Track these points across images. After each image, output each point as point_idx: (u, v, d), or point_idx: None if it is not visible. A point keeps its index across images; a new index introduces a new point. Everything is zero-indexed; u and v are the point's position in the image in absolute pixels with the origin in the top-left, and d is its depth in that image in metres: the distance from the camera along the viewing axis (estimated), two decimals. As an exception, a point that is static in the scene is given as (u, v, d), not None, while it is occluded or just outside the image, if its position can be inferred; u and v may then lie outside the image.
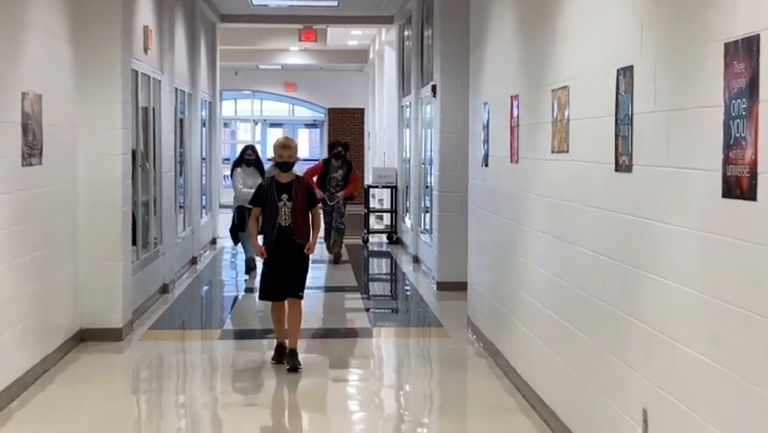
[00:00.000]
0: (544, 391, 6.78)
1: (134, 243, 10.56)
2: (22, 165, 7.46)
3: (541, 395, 6.81)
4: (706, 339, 4.05)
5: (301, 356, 8.33)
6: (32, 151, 7.66)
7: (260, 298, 8.58)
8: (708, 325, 4.03)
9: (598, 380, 5.55)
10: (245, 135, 33.50)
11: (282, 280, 8.24)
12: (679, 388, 4.34)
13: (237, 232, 13.56)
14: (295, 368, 8.14)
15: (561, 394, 6.39)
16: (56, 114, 8.32)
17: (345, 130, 30.46)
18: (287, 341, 8.35)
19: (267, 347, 8.97)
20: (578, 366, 5.99)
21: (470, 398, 8.06)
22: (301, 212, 8.22)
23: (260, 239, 8.49)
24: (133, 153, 10.38)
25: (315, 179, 15.09)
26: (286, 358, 8.27)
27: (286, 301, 8.38)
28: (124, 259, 9.51)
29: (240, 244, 13.95)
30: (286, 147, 8.31)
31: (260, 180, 10.53)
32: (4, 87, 7.11)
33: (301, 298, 8.36)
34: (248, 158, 13.61)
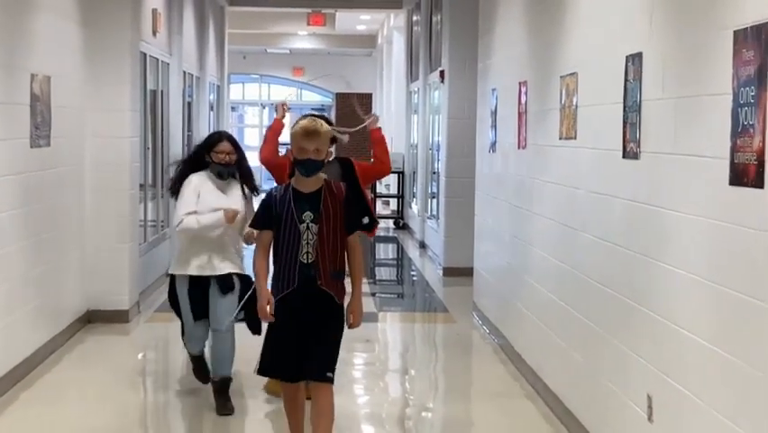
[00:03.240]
0: (548, 376, 6.80)
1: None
2: (31, 147, 7.47)
3: (546, 381, 6.83)
4: (711, 326, 4.06)
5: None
6: (40, 132, 7.67)
7: (260, 371, 5.38)
8: (713, 312, 4.04)
9: (604, 366, 5.56)
10: (253, 119, 33.48)
11: (299, 348, 5.19)
12: (684, 375, 4.35)
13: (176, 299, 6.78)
14: None
15: (566, 380, 6.40)
16: (64, 95, 8.33)
17: (353, 116, 30.39)
18: None
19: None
20: (583, 353, 6.00)
21: (475, 383, 8.08)
22: (332, 239, 5.12)
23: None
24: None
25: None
26: None
27: (304, 384, 5.38)
28: (132, 241, 9.53)
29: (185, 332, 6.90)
30: (312, 135, 5.08)
31: (236, 198, 6.52)
32: (13, 68, 7.12)
33: (331, 381, 5.19)
34: (218, 161, 6.53)
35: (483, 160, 9.82)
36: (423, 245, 15.58)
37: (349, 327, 5.25)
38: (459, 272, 11.98)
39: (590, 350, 5.83)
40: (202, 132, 15.84)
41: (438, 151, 14.29)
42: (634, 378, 4.99)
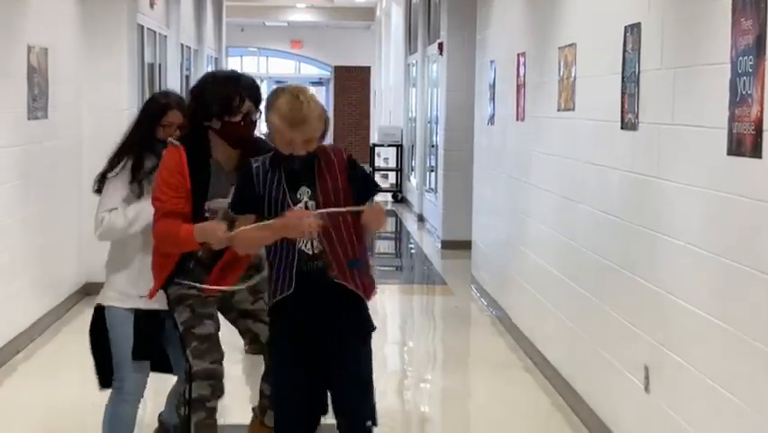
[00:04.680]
0: (546, 348, 6.81)
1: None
2: (28, 118, 7.46)
3: (544, 352, 6.84)
4: (709, 297, 4.07)
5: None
6: (37, 104, 7.66)
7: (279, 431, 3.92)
8: (711, 282, 4.04)
9: (601, 337, 5.57)
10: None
11: (312, 391, 3.85)
12: (681, 345, 4.36)
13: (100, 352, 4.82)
14: None
15: (563, 352, 6.42)
16: (61, 67, 8.30)
17: (351, 89, 30.37)
18: None
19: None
20: (581, 324, 6.01)
21: (473, 355, 8.10)
22: (341, 221, 3.79)
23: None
24: None
25: None
26: None
27: None
28: (130, 214, 9.51)
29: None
30: (299, 124, 3.68)
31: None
32: (9, 40, 7.10)
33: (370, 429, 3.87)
34: (165, 137, 4.47)
35: (482, 132, 9.80)
36: (421, 218, 15.58)
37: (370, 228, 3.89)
38: (457, 245, 11.98)
39: (588, 321, 5.84)
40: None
41: (437, 124, 14.27)
42: (631, 349, 5.00)
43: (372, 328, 3.89)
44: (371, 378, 3.87)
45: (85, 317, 8.54)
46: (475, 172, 10.12)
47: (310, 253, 3.75)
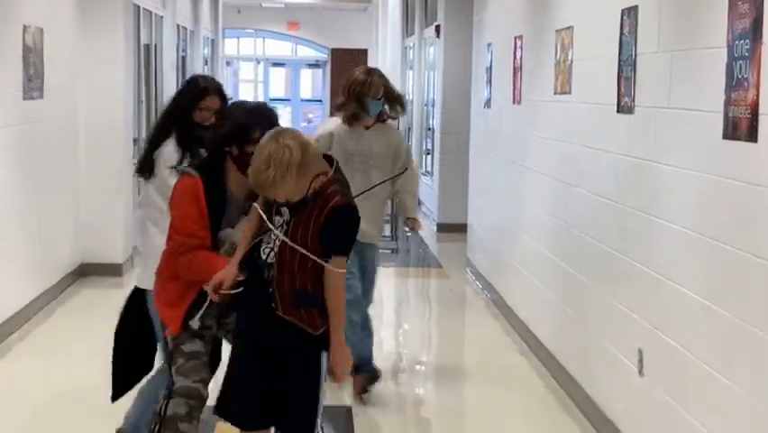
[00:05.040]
0: (541, 331, 6.82)
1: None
2: (24, 99, 7.44)
3: (538, 336, 6.85)
4: (704, 281, 4.07)
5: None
6: (33, 84, 7.64)
7: (218, 411, 3.92)
8: (705, 266, 4.05)
9: (596, 321, 5.58)
10: (248, 74, 33.33)
11: (266, 387, 3.84)
12: (674, 328, 4.37)
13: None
14: None
15: (558, 335, 6.43)
16: (57, 47, 8.27)
17: (348, 71, 30.20)
18: None
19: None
20: (575, 308, 6.02)
21: (468, 338, 8.12)
22: (302, 258, 3.68)
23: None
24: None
25: None
26: None
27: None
28: (125, 195, 9.52)
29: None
30: (265, 190, 3.64)
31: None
32: (5, 19, 7.07)
33: None
34: (201, 121, 4.59)
35: (478, 116, 9.79)
36: (417, 201, 15.56)
37: (333, 381, 3.89)
38: (453, 228, 11.98)
39: (582, 305, 5.85)
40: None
41: (433, 107, 14.24)
42: (625, 332, 5.01)
43: (316, 358, 3.77)
44: (318, 392, 3.80)
45: (80, 298, 8.57)
46: (471, 156, 10.12)
47: (265, 273, 3.71)
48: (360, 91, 5.71)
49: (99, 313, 8.10)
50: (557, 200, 6.50)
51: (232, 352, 3.92)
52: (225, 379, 3.88)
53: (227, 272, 3.76)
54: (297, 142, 3.57)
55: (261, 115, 4.04)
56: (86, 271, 9.20)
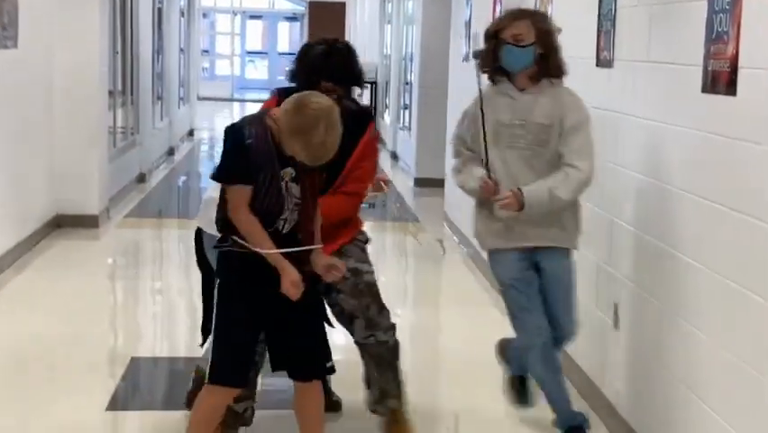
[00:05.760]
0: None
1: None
2: (-3, 47, 7.36)
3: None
4: (683, 234, 4.08)
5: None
6: (7, 33, 7.54)
7: (214, 379, 3.81)
8: (683, 220, 4.06)
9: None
10: (224, 27, 33.06)
11: (277, 339, 3.89)
12: (648, 281, 4.39)
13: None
14: None
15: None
16: (31, -4, 8.17)
17: (326, 26, 30.07)
18: None
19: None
20: (551, 261, 6.02)
21: (444, 291, 8.15)
22: (313, 202, 3.80)
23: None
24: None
25: None
26: None
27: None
28: (101, 146, 9.45)
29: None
30: (323, 157, 3.64)
31: None
32: (-22, -34, 6.97)
33: (327, 374, 4.10)
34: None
35: (457, 70, 9.76)
36: (395, 156, 15.55)
37: (325, 276, 3.85)
38: (430, 183, 11.99)
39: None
40: (172, 39, 15.60)
41: (411, 61, 14.18)
42: (601, 287, 5.03)
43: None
44: (323, 326, 3.96)
45: (55, 250, 8.53)
46: (449, 110, 10.09)
47: (284, 230, 3.71)
48: None
49: (75, 265, 8.10)
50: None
51: (224, 322, 3.80)
52: (221, 348, 3.81)
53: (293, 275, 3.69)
54: (324, 98, 3.65)
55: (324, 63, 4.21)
56: (62, 223, 9.15)
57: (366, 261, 4.52)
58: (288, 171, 3.66)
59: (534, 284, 4.40)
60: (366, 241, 4.59)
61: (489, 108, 4.31)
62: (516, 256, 4.39)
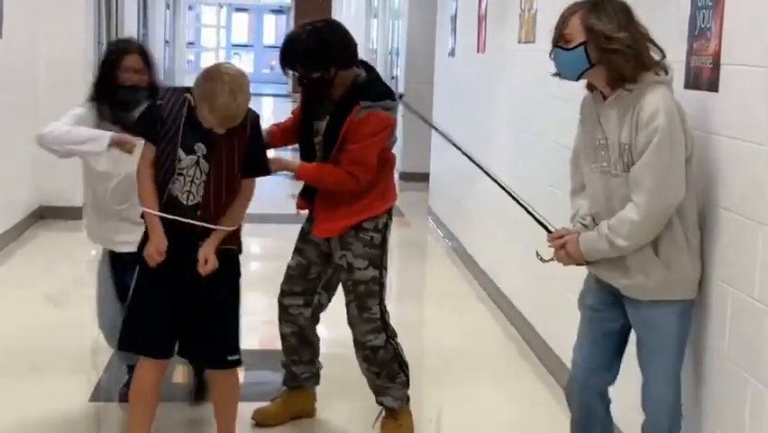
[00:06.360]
0: (499, 279, 6.87)
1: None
2: (-18, 37, 7.34)
3: (497, 283, 6.90)
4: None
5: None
6: (-9, 23, 7.53)
7: (122, 345, 4.06)
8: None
9: (553, 268, 5.60)
10: (210, 19, 32.99)
11: (177, 318, 3.93)
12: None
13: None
14: None
15: (516, 282, 6.48)
16: (16, -14, 8.15)
17: (312, 17, 29.95)
18: None
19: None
20: (533, 254, 6.04)
21: (428, 285, 8.17)
22: (225, 183, 3.88)
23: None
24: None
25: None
26: None
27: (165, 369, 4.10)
28: (85, 138, 9.42)
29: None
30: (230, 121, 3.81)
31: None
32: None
33: (238, 364, 4.08)
34: (123, 82, 4.56)
35: (442, 64, 9.77)
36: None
37: (202, 269, 3.85)
38: (415, 177, 12.00)
39: (542, 253, 5.87)
40: (157, 31, 15.58)
41: (397, 56, 14.19)
42: (582, 279, 5.04)
43: (237, 271, 4.11)
44: (238, 314, 4.10)
45: (39, 241, 8.50)
46: (435, 104, 10.10)
47: (186, 202, 3.88)
48: None
49: (59, 256, 8.08)
50: (519, 149, 6.52)
51: (138, 290, 3.94)
52: (131, 315, 3.95)
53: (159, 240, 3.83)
54: (233, 67, 3.83)
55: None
56: (46, 214, 9.13)
57: (364, 256, 4.52)
58: (201, 147, 3.81)
59: (608, 323, 3.67)
60: (378, 229, 4.55)
61: (586, 123, 3.63)
62: (599, 284, 3.71)
